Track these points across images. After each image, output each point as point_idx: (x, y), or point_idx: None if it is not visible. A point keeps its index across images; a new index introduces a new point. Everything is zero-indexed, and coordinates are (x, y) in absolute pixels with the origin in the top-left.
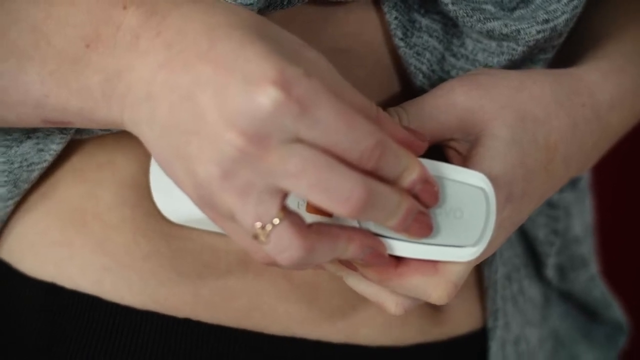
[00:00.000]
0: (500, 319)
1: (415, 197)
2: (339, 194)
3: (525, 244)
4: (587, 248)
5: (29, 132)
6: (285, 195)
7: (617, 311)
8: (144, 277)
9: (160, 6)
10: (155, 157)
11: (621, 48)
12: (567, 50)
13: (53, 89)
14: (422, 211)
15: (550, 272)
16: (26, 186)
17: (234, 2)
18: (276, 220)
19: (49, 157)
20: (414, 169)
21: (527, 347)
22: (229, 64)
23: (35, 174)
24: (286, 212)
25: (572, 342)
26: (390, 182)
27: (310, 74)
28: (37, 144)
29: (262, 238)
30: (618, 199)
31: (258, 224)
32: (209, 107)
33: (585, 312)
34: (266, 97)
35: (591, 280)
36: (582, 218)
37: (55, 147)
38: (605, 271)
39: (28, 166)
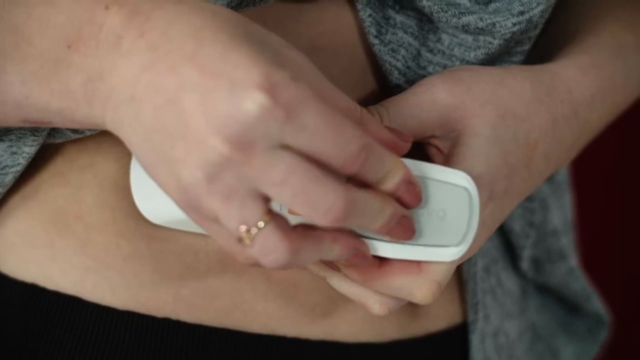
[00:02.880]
0: (481, 311)
1: (398, 198)
2: (320, 205)
3: (501, 236)
4: (567, 241)
5: (1, 136)
6: (269, 198)
7: (597, 304)
8: (125, 278)
9: (143, 6)
10: (139, 159)
11: (599, 43)
12: (545, 44)
13: (34, 90)
14: (405, 215)
15: (525, 265)
16: (1, 190)
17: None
18: (261, 224)
19: (22, 160)
20: (397, 171)
21: (506, 340)
22: (215, 68)
23: (9, 177)
24: (271, 215)
25: (550, 335)
26: (373, 184)
27: (297, 77)
28: (10, 146)
29: (247, 241)
30: (599, 193)
31: (243, 228)
32: (195, 111)
33: (565, 304)
34: (252, 102)
35: (570, 273)
36: (561, 212)
37: (28, 149)
38: (587, 264)
39: (1, 169)
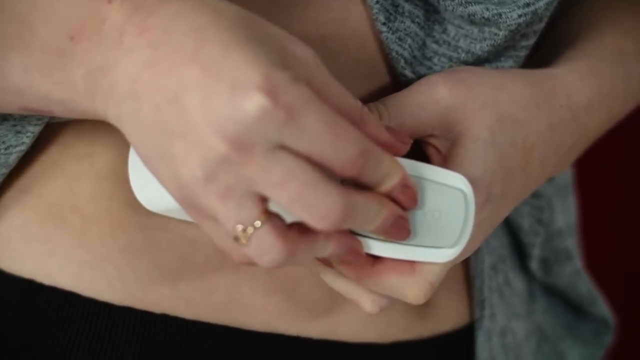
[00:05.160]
0: (487, 309)
1: (394, 199)
2: (317, 210)
3: (510, 235)
4: (572, 242)
5: (5, 114)
6: (267, 198)
7: (602, 307)
8: (121, 272)
9: (146, 2)
10: (139, 154)
11: (600, 49)
12: (546, 48)
13: (36, 79)
14: (401, 215)
15: (535, 265)
16: (4, 170)
17: None
18: (258, 223)
19: (26, 139)
20: (394, 173)
21: (513, 340)
22: (215, 68)
23: (13, 157)
24: (268, 215)
25: (556, 337)
26: (370, 186)
27: (298, 77)
28: (14, 125)
29: (243, 240)
30: (603, 196)
31: (239, 227)
32: (195, 111)
33: (571, 307)
34: (252, 103)
35: (576, 275)
36: (565, 214)
37: (32, 128)
38: (591, 268)
39: (6, 149)
